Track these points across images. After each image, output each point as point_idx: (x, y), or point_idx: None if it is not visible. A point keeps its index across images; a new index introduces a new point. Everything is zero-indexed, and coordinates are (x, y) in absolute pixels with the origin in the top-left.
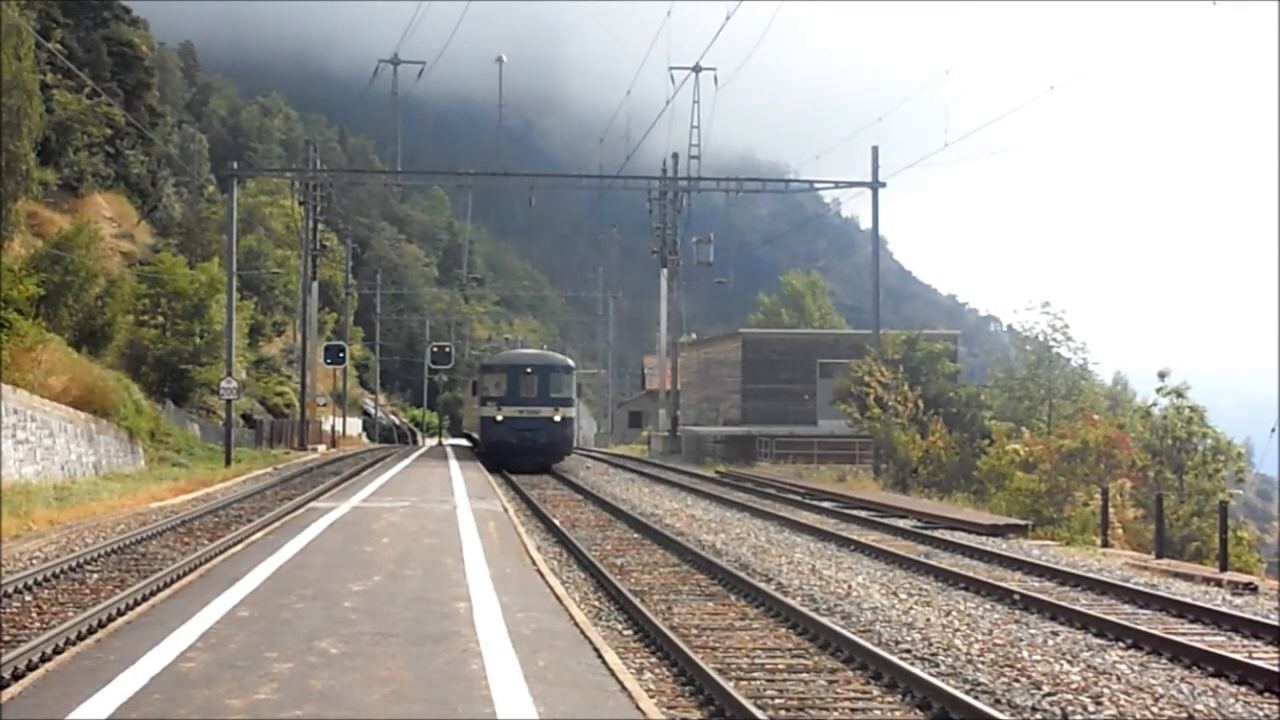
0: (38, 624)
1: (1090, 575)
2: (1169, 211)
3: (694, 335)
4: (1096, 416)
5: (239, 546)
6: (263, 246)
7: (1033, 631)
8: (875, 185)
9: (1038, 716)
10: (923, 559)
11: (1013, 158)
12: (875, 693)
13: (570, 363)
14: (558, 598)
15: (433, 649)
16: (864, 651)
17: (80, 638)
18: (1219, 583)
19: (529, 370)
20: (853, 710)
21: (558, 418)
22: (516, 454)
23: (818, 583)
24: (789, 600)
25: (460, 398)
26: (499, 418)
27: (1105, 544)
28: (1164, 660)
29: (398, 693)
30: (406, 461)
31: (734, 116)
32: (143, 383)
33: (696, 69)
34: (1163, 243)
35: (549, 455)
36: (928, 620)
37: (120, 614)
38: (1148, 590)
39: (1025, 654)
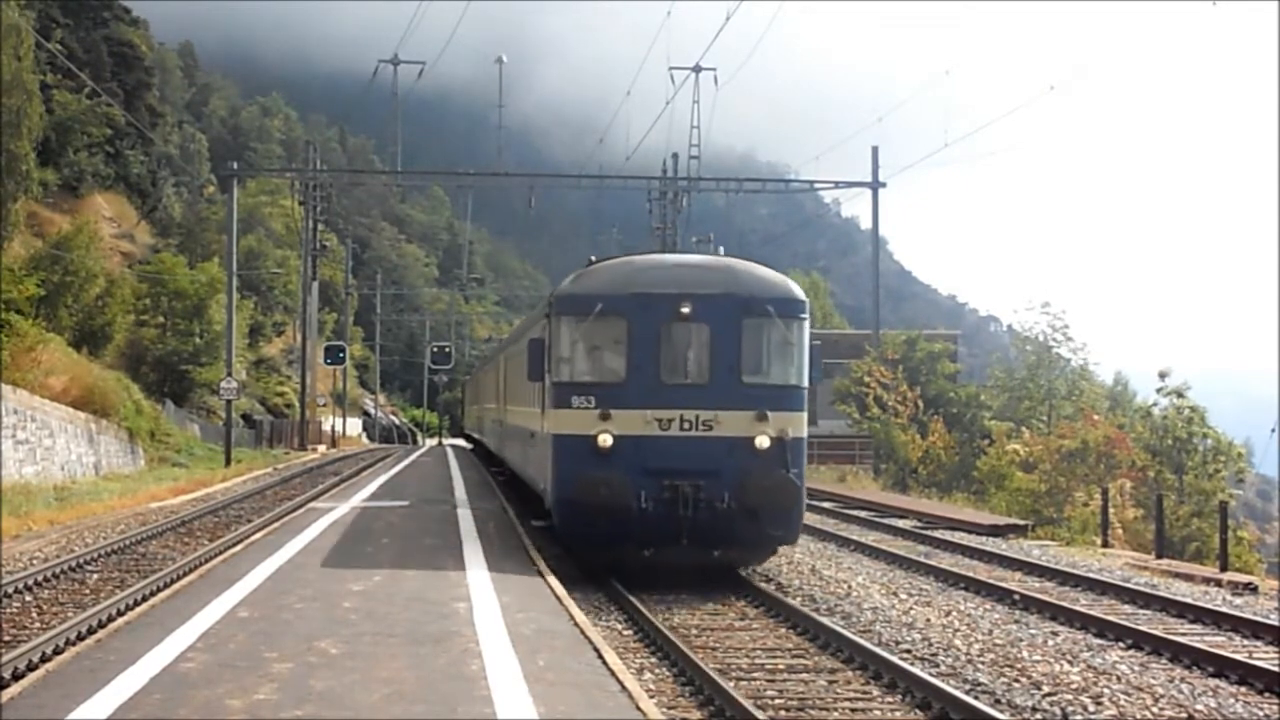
0: (38, 624)
1: (1090, 575)
2: (1169, 211)
3: None
4: (1096, 417)
5: (239, 547)
6: (263, 246)
7: (1033, 631)
8: (875, 185)
9: (1038, 716)
10: (923, 559)
11: (1013, 158)
12: (875, 693)
13: (796, 291)
14: (558, 598)
15: (433, 649)
16: (864, 652)
17: (80, 638)
18: (1219, 583)
19: (686, 309)
20: (852, 710)
21: (766, 440)
22: (658, 537)
23: (818, 583)
24: (789, 600)
25: (459, 397)
26: (602, 439)
27: (1105, 544)
28: (1164, 660)
29: (398, 693)
30: (407, 461)
31: (734, 116)
32: (143, 383)
33: (696, 69)
34: (1162, 242)
35: (743, 543)
36: (928, 620)
37: (120, 614)
38: (1148, 590)
39: (1025, 654)
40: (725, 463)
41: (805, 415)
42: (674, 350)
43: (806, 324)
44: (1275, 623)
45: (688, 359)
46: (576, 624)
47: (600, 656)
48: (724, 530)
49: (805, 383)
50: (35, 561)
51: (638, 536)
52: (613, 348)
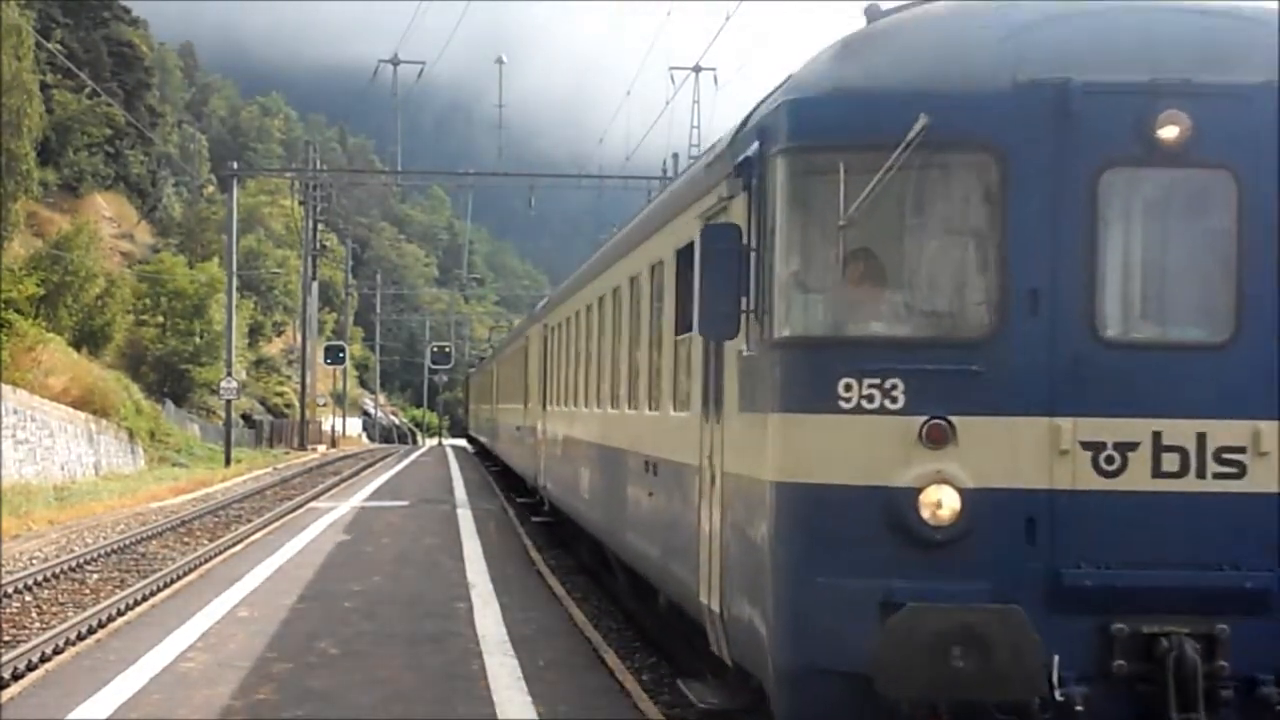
0: (38, 624)
1: None
2: None
3: None
4: None
5: (239, 546)
6: (262, 247)
7: None
8: None
9: None
10: None
11: None
12: None
13: None
14: (557, 598)
15: (433, 649)
16: None
17: (80, 638)
18: None
19: (1172, 129)
20: None
21: None
22: None
23: None
24: None
25: (460, 397)
26: (935, 498)
27: None
28: None
29: (398, 693)
30: (407, 461)
31: (734, 116)
32: (143, 383)
33: (696, 69)
34: None
35: None
36: None
37: (120, 614)
38: None
39: None
40: None
41: None
42: (1132, 249)
43: None
44: None
45: (1172, 274)
46: (576, 624)
47: (600, 656)
48: None
49: None
50: (35, 561)
51: None
52: (949, 243)
